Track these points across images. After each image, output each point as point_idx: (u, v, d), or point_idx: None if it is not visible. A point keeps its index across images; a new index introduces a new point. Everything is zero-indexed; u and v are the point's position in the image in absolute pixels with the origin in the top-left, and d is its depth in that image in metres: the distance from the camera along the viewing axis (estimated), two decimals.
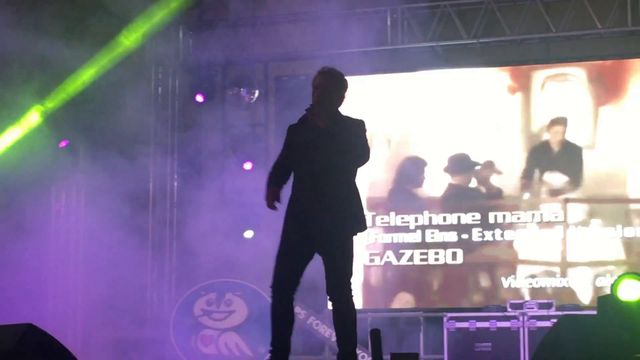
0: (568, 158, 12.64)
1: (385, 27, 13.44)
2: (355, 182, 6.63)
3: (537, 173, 12.72)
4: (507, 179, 12.79)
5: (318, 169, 6.47)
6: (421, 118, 13.07)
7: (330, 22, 13.78)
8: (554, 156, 12.71)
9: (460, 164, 12.93)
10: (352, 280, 6.53)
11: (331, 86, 6.65)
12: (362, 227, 6.61)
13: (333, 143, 6.44)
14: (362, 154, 6.54)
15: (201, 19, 14.47)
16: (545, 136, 12.74)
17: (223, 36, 13.98)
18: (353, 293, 6.54)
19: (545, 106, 12.77)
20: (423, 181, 13.02)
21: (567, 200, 12.54)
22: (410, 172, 13.08)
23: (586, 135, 12.62)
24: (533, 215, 12.66)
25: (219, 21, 14.06)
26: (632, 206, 12.40)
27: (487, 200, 12.79)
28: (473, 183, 12.89)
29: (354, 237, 6.58)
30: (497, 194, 12.78)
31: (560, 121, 12.70)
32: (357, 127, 6.61)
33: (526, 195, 12.71)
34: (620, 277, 7.94)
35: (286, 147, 6.75)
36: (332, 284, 6.48)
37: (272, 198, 6.64)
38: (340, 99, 6.71)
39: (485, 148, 12.87)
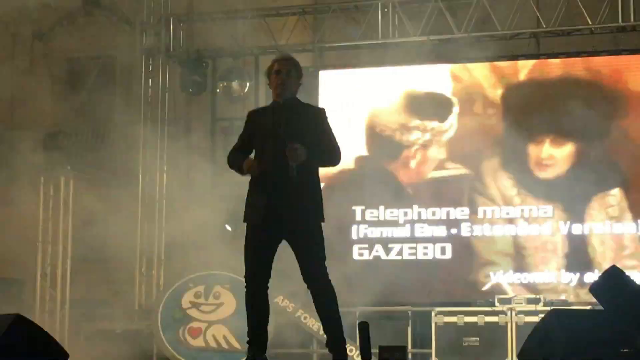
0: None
1: (377, 21, 13.44)
2: (317, 172, 6.60)
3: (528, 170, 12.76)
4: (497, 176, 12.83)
5: (280, 156, 6.43)
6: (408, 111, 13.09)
7: (321, 16, 13.80)
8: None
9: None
10: (326, 264, 6.51)
11: (288, 71, 6.61)
12: (323, 216, 6.60)
13: (294, 129, 6.42)
14: (332, 153, 6.53)
15: (192, 11, 14.45)
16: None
17: (214, 28, 13.96)
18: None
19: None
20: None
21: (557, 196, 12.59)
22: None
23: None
24: (522, 210, 12.68)
25: (210, 13, 14.04)
26: (624, 202, 12.43)
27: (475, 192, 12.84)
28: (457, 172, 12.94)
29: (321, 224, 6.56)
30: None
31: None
32: (318, 115, 6.59)
33: (515, 192, 12.74)
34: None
35: (245, 133, 6.71)
36: (309, 270, 6.46)
37: (251, 163, 6.51)
38: (297, 84, 6.68)
39: (475, 141, 12.90)
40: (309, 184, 6.47)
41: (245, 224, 6.58)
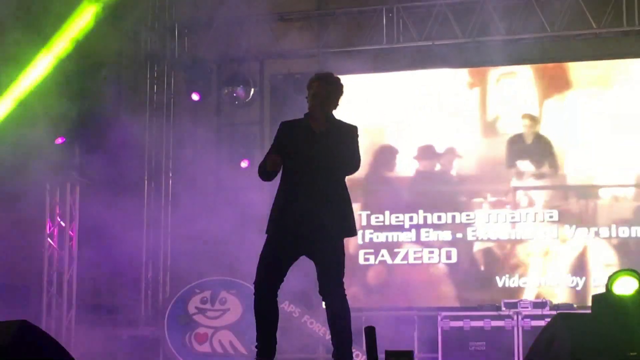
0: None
1: (381, 27, 13.45)
2: (346, 186, 6.64)
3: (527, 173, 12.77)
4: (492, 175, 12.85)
5: (311, 171, 6.47)
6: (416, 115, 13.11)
7: (325, 21, 13.81)
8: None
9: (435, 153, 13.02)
10: (344, 279, 6.55)
11: (328, 92, 6.67)
12: (353, 231, 6.64)
13: (327, 147, 6.46)
14: (351, 162, 6.57)
15: (196, 17, 14.47)
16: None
17: (218, 34, 13.98)
18: (346, 292, 6.57)
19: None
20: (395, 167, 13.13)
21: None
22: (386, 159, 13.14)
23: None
24: (527, 214, 12.68)
25: (214, 19, 14.06)
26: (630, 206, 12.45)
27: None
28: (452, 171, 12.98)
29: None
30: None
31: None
32: (350, 133, 6.64)
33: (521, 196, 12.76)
34: (616, 273, 7.97)
35: (277, 142, 6.74)
36: (326, 285, 6.50)
37: (274, 159, 6.54)
38: (335, 104, 6.74)
39: (481, 146, 12.93)
40: (335, 200, 6.52)
41: (267, 233, 6.62)
